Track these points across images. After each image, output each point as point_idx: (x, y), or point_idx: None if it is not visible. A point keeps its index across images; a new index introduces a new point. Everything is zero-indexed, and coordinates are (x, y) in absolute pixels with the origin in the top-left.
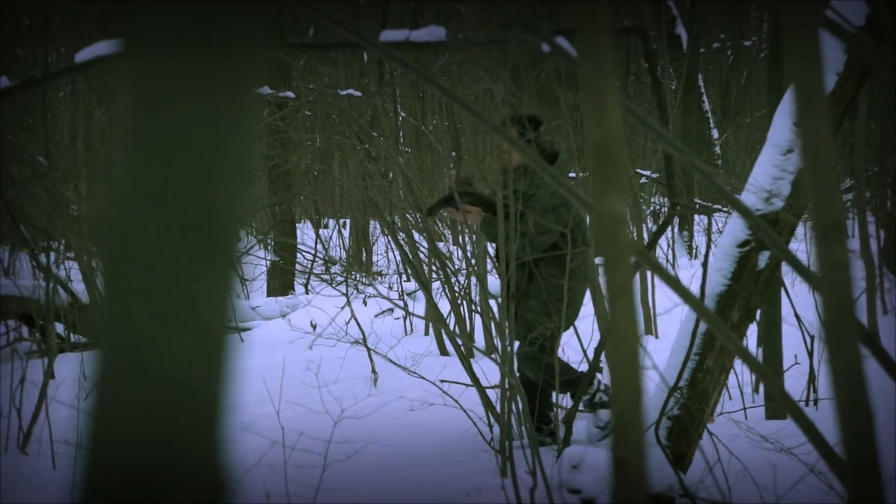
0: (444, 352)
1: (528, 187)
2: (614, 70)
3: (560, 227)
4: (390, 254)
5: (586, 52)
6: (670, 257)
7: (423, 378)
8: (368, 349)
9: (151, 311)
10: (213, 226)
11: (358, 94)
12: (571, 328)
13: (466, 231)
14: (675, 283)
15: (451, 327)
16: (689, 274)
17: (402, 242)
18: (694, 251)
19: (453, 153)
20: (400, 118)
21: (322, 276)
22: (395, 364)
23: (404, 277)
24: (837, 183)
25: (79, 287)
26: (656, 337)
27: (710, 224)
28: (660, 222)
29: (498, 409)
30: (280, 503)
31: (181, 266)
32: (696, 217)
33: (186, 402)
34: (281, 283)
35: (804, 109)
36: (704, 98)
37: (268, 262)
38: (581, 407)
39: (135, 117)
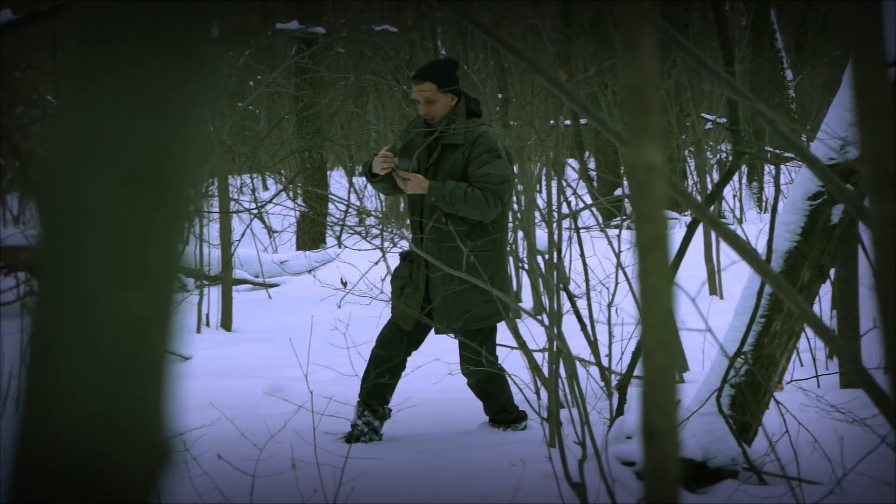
0: None
1: (461, 140)
2: (648, 4)
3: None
4: None
5: None
6: (737, 210)
7: (466, 341)
8: (404, 307)
9: (96, 262)
10: (162, 172)
11: (394, 29)
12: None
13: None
14: (733, 239)
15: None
16: (756, 229)
17: None
18: (763, 203)
19: (499, 95)
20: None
21: (355, 229)
22: (432, 324)
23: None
24: (893, 129)
25: None
26: (721, 297)
27: (777, 174)
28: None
29: (545, 373)
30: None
31: (128, 215)
32: (767, 167)
33: (130, 358)
34: (311, 235)
35: (859, 47)
36: (777, 36)
37: (297, 214)
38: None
39: (83, 58)
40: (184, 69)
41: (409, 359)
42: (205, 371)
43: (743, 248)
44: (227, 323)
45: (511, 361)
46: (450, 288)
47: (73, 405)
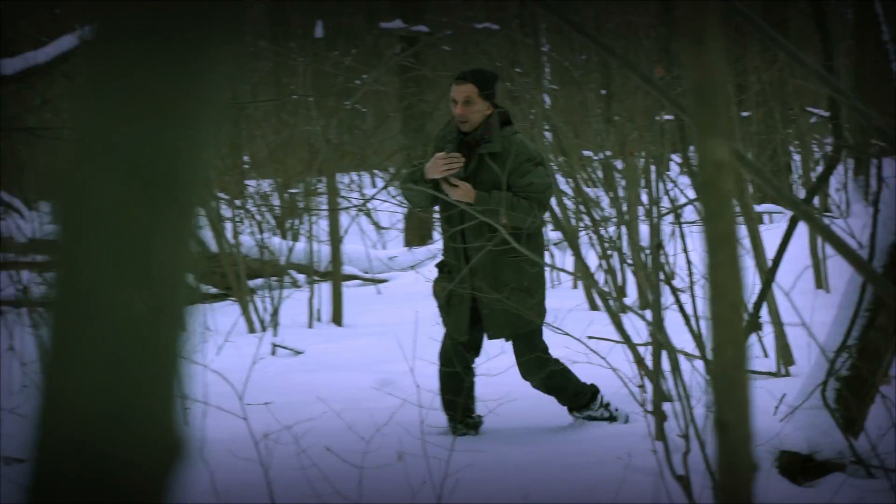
0: (593, 306)
1: (500, 148)
2: (714, 3)
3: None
4: None
5: None
6: (842, 204)
7: (567, 334)
8: (507, 302)
9: (105, 262)
10: (170, 178)
11: (495, 27)
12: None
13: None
14: (827, 234)
15: (601, 281)
16: (861, 223)
17: None
18: (870, 197)
19: (602, 91)
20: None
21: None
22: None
23: (549, 226)
24: None
25: (205, 234)
26: (827, 291)
27: (879, 167)
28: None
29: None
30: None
31: (136, 217)
32: (873, 160)
33: (135, 356)
34: (418, 232)
35: None
36: (883, 27)
37: (404, 210)
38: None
39: (97, 66)
40: (191, 70)
41: (499, 357)
42: (316, 365)
43: (839, 243)
44: (337, 318)
45: (615, 356)
46: (497, 295)
47: (81, 403)
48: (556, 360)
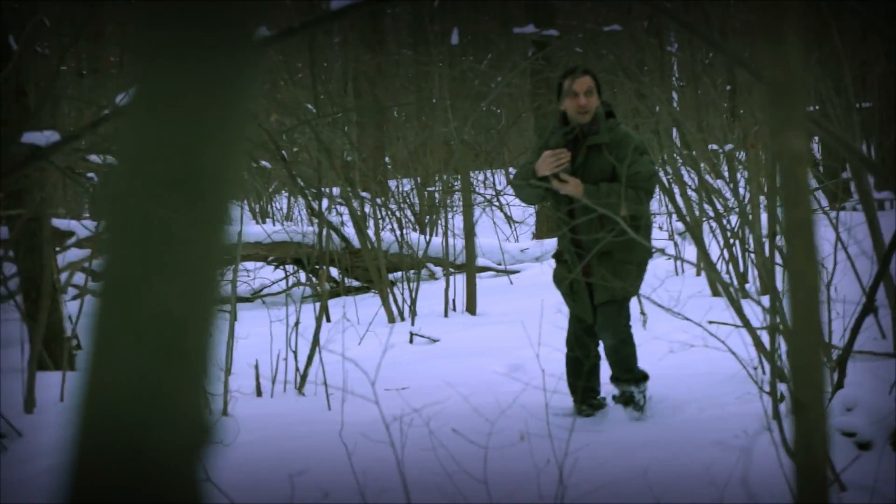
0: (715, 293)
1: (608, 139)
2: (791, 2)
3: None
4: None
5: None
6: None
7: (687, 319)
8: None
9: (142, 257)
10: (200, 182)
11: (619, 28)
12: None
13: (740, 167)
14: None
15: (723, 269)
16: None
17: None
18: None
19: (727, 87)
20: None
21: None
22: (657, 304)
23: (675, 217)
24: None
25: (349, 232)
26: None
27: None
28: None
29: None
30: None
31: (170, 217)
32: None
33: (171, 341)
34: (548, 225)
35: None
36: None
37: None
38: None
39: (139, 84)
40: (219, 79)
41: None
42: (450, 352)
43: None
44: (471, 307)
45: (733, 341)
46: (607, 268)
47: (120, 385)
48: (630, 333)
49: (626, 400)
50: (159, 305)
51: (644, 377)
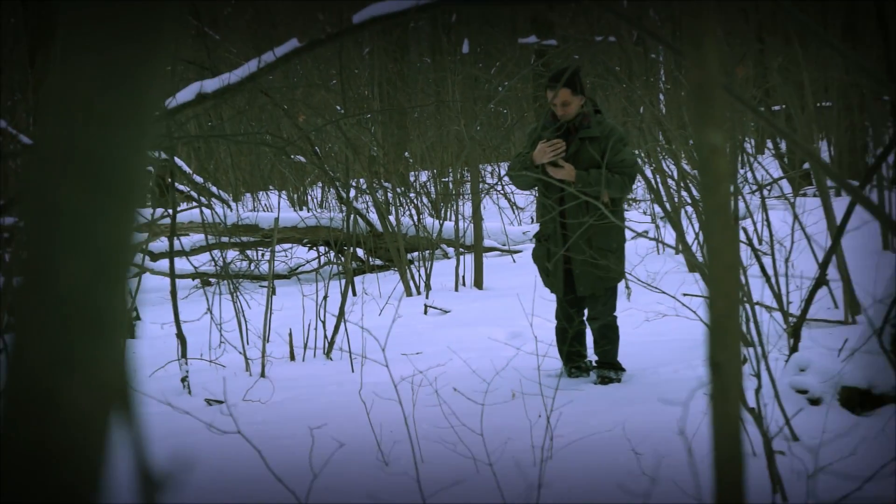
0: (692, 269)
1: (599, 133)
2: (712, 10)
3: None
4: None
5: None
6: None
7: (663, 292)
8: (612, 268)
9: (58, 241)
10: (110, 171)
11: (612, 39)
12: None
13: None
14: (873, 208)
15: (697, 249)
16: None
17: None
18: None
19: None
20: (654, 59)
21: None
22: (637, 280)
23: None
24: None
25: (373, 217)
26: (894, 252)
27: None
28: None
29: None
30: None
31: (83, 204)
32: None
33: (82, 313)
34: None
35: None
36: None
37: (535, 192)
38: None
39: (53, 81)
40: (128, 86)
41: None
42: (459, 322)
43: (875, 210)
44: (479, 282)
45: (705, 309)
46: (587, 257)
47: (35, 353)
48: (615, 323)
49: (603, 381)
50: (71, 283)
51: (622, 369)
